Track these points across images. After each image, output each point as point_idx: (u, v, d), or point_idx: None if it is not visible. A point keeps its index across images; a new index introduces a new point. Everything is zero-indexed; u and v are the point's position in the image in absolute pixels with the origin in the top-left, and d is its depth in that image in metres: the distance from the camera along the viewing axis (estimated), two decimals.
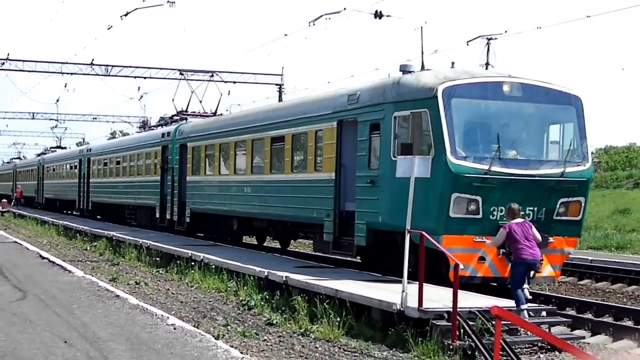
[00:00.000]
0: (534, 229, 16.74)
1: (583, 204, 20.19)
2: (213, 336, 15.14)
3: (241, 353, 13.14)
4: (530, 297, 16.85)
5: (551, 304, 20.48)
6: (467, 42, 33.34)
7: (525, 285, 16.40)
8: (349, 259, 23.63)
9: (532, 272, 16.70)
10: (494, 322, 13.24)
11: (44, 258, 27.98)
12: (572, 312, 20.13)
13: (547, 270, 19.91)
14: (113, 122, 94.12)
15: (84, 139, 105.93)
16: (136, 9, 35.90)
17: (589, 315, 19.63)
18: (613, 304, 21.11)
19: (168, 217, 37.58)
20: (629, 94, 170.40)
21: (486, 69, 30.73)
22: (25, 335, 13.68)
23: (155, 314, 16.17)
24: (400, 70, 21.34)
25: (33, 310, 16.40)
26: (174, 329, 14.64)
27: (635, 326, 18.07)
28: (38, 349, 12.71)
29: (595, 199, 61.24)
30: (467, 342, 14.47)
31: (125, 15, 35.99)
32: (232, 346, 14.37)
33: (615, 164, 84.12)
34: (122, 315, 15.93)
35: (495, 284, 20.41)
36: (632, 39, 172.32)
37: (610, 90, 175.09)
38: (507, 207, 17.70)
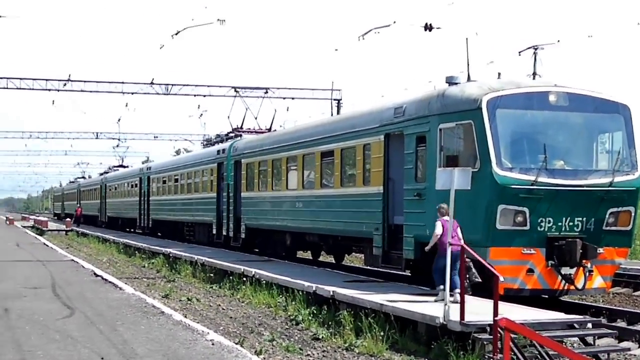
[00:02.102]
0: (459, 228, 17.81)
1: (633, 214, 19.91)
2: (255, 351, 15.16)
3: None
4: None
5: (602, 315, 20.17)
6: (519, 52, 33.16)
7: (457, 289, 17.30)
8: (398, 272, 23.51)
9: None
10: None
11: (97, 276, 28.25)
12: (623, 324, 19.76)
13: (597, 281, 19.67)
14: (176, 140, 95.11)
15: (148, 157, 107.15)
16: (186, 28, 36.23)
17: (639, 327, 19.24)
18: None
19: (224, 233, 37.84)
20: None
21: (533, 78, 30.43)
22: (64, 352, 13.79)
23: (196, 330, 16.22)
24: (446, 82, 21.27)
25: (77, 327, 16.54)
26: (212, 344, 14.65)
27: None
28: None
29: None
30: (510, 355, 14.30)
31: (176, 34, 36.33)
32: None
33: None
34: (164, 332, 15.99)
35: (546, 296, 20.25)
36: None
37: None
38: (437, 206, 18.53)
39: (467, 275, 17.28)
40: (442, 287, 17.12)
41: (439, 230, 18.10)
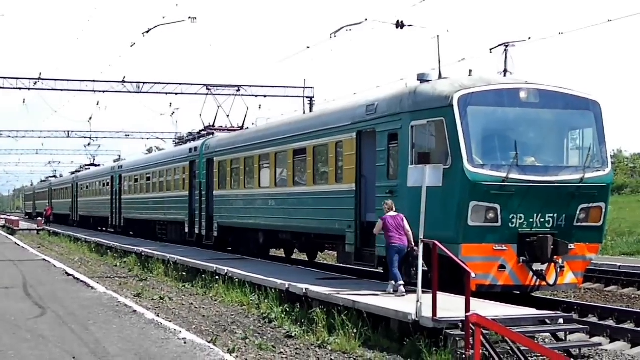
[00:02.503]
0: (405, 221, 18.90)
1: (604, 210, 20.03)
2: (228, 350, 15.14)
3: None
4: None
5: (573, 311, 20.30)
6: (490, 49, 33.24)
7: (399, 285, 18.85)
8: (371, 269, 23.53)
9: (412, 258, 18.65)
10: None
11: (69, 275, 28.12)
12: (594, 319, 19.89)
13: (568, 277, 19.78)
14: (148, 138, 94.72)
15: (120, 156, 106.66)
16: (157, 25, 36.03)
17: (610, 322, 19.38)
18: (635, 310, 20.85)
19: (197, 231, 37.77)
20: None
21: (504, 75, 30.51)
22: (35, 352, 13.73)
23: (169, 329, 16.19)
24: (418, 80, 21.29)
25: (49, 326, 16.47)
26: (185, 343, 14.63)
27: None
28: None
29: (631, 205, 60.85)
30: (481, 351, 14.34)
31: (147, 32, 36.14)
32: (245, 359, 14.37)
33: None
34: (136, 331, 15.95)
35: (517, 292, 20.33)
36: None
37: None
38: (383, 203, 19.63)
39: (414, 266, 18.12)
40: (400, 283, 18.77)
41: (378, 228, 19.32)
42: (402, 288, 18.63)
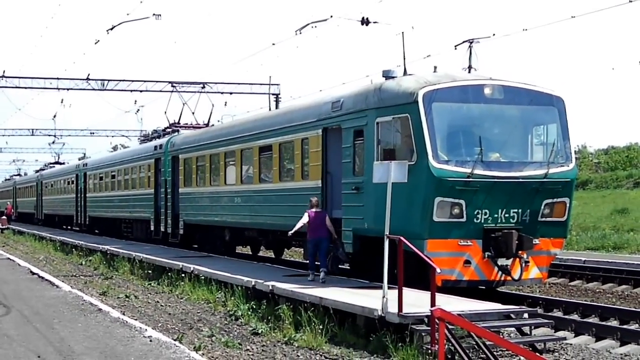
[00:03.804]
0: (327, 218, 21.01)
1: (568, 205, 20.15)
2: (194, 347, 15.11)
3: None
4: (324, 271, 20.94)
5: (538, 305, 20.44)
6: (455, 46, 33.38)
7: (322, 269, 20.93)
8: (338, 266, 23.55)
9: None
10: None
11: (34, 274, 27.95)
12: (559, 314, 20.02)
13: (533, 272, 19.90)
14: (113, 136, 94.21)
15: (84, 154, 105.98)
16: (121, 22, 35.80)
17: (575, 316, 19.52)
18: (599, 304, 21.01)
19: (162, 229, 37.60)
20: (626, 94, 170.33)
21: (469, 72, 30.65)
22: (0, 351, 13.65)
23: (134, 327, 16.13)
24: (383, 76, 21.30)
25: (13, 325, 16.37)
26: (150, 341, 14.58)
27: (620, 326, 17.96)
28: None
29: (595, 200, 61.22)
30: (446, 346, 14.40)
31: (112, 29, 35.96)
32: (211, 357, 14.37)
33: (615, 164, 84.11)
34: (101, 329, 15.88)
35: (483, 287, 20.44)
36: (618, 38, 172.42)
37: (605, 91, 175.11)
38: (309, 199, 21.30)
39: (332, 253, 21.01)
40: (313, 274, 21.18)
41: (303, 220, 20.98)
42: (319, 276, 20.89)
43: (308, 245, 21.57)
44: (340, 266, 23.63)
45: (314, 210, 21.06)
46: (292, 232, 21.37)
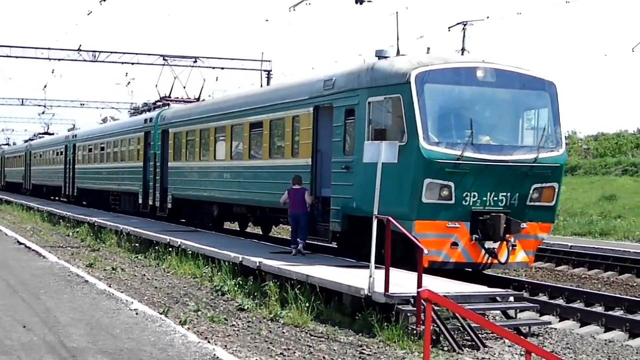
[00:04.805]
0: (306, 194, 21.98)
1: (557, 190, 20.21)
2: (180, 321, 15.12)
3: (198, 338, 13.08)
4: (301, 248, 22.06)
5: (524, 289, 20.52)
6: (449, 27, 33.39)
7: (300, 242, 22.11)
8: (325, 244, 23.61)
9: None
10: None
11: (20, 244, 27.91)
12: (544, 298, 20.10)
13: (520, 255, 19.97)
14: (103, 108, 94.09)
15: (74, 125, 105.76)
16: None
17: (560, 301, 19.59)
18: (584, 290, 21.09)
19: (150, 203, 37.57)
20: (617, 81, 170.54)
21: (462, 54, 30.68)
22: None
23: (120, 299, 16.14)
24: (376, 56, 21.29)
25: None
26: (136, 314, 14.59)
27: (605, 312, 18.05)
28: None
29: (583, 186, 61.32)
30: (431, 327, 14.44)
31: (105, 0, 35.83)
32: (197, 331, 14.37)
33: (605, 151, 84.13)
34: (87, 301, 15.88)
35: (469, 270, 20.50)
36: (611, 25, 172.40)
37: (596, 77, 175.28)
38: (293, 177, 22.21)
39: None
40: (297, 247, 22.13)
41: (283, 197, 22.33)
42: (299, 247, 22.07)
43: (289, 219, 22.64)
44: (327, 244, 23.67)
45: (295, 187, 22.05)
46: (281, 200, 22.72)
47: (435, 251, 18.82)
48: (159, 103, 42.81)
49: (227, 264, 21.34)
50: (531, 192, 19.80)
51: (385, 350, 13.73)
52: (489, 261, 19.61)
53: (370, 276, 15.45)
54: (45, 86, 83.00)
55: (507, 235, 19.43)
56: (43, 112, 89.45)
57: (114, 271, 23.18)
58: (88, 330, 13.11)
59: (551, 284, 22.06)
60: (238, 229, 35.08)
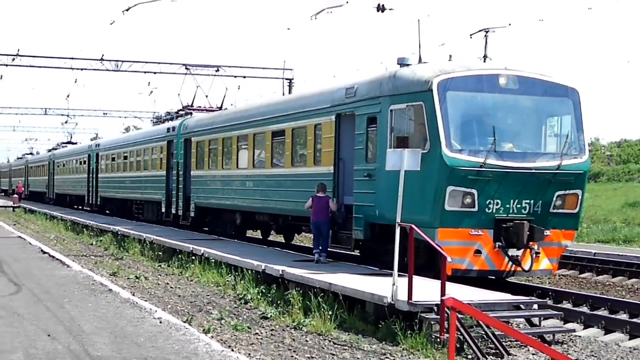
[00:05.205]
0: (330, 201, 22.18)
1: (580, 197, 20.13)
2: (204, 330, 15.15)
3: (222, 346, 13.11)
4: (324, 254, 22.34)
5: (548, 297, 20.42)
6: (471, 35, 33.32)
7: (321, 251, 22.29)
8: (348, 252, 23.58)
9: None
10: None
11: (44, 252, 28.05)
12: (568, 305, 20.00)
13: (544, 263, 19.89)
14: (125, 117, 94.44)
15: (97, 135, 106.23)
16: (137, 4, 35.74)
17: (584, 309, 19.50)
18: (609, 297, 20.98)
19: (173, 211, 37.69)
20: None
21: (484, 61, 30.60)
22: (10, 329, 13.70)
23: (144, 308, 16.18)
24: (398, 63, 21.28)
25: (24, 304, 16.45)
26: (160, 322, 14.64)
27: (629, 319, 17.94)
28: (20, 343, 12.74)
29: (607, 192, 61.09)
30: (455, 335, 14.40)
31: (127, 10, 35.91)
32: (220, 340, 14.39)
33: (628, 157, 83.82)
34: (111, 309, 15.94)
35: (492, 277, 20.43)
36: (635, 31, 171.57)
37: (619, 84, 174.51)
38: (318, 184, 22.33)
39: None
40: (316, 253, 22.32)
41: (307, 203, 22.40)
42: (319, 257, 22.19)
43: (312, 227, 22.80)
44: (349, 252, 23.64)
45: (319, 194, 22.15)
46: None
47: (459, 259, 18.77)
48: (181, 112, 42.92)
49: (250, 272, 21.36)
50: (554, 199, 19.72)
51: (409, 358, 13.72)
52: (513, 269, 19.54)
53: (394, 284, 15.44)
54: (68, 96, 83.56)
55: (531, 243, 19.36)
56: (66, 122, 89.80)
57: (137, 280, 23.25)
58: (112, 339, 13.16)
59: (575, 292, 21.98)
60: (260, 237, 35.11)
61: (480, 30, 33.12)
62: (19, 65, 52.13)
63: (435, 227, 18.80)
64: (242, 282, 21.13)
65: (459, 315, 13.90)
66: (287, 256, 24.45)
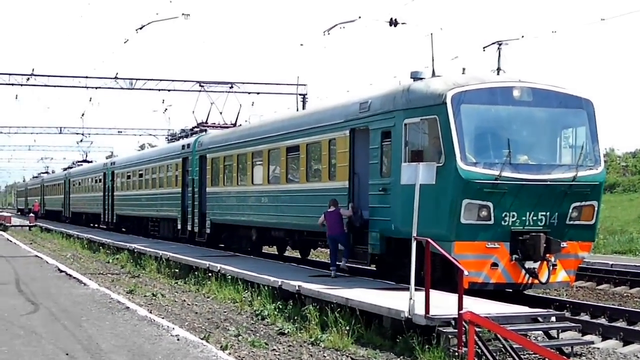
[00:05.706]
0: (341, 211, 22.42)
1: (596, 208, 20.07)
2: (221, 347, 15.15)
3: None
4: (344, 265, 22.72)
5: (566, 309, 20.33)
6: (484, 47, 33.34)
7: (342, 261, 22.68)
8: (364, 267, 23.56)
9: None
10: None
11: (61, 271, 28.10)
12: (586, 317, 19.92)
13: (561, 275, 19.82)
14: (140, 135, 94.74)
15: (112, 153, 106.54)
16: (150, 22, 35.96)
17: (602, 320, 19.41)
18: (627, 308, 20.90)
19: (189, 228, 37.76)
20: None
21: (497, 74, 30.60)
22: (29, 348, 13.73)
23: (161, 325, 16.19)
24: (411, 77, 21.28)
25: (41, 322, 16.48)
26: (178, 339, 14.64)
27: None
28: None
29: (623, 203, 60.87)
30: (474, 348, 14.36)
31: (141, 28, 36.10)
32: (238, 356, 14.40)
33: None
34: (129, 327, 15.96)
35: (509, 290, 20.37)
36: None
37: (634, 94, 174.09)
38: (330, 200, 22.58)
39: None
40: (333, 269, 22.67)
41: (320, 219, 22.62)
42: (342, 265, 22.66)
43: (328, 241, 23.11)
44: (366, 267, 23.62)
45: (330, 209, 22.38)
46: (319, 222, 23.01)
47: (475, 272, 18.72)
48: (196, 129, 43.04)
49: (266, 288, 21.36)
50: (570, 210, 19.66)
51: None
52: (530, 281, 19.48)
53: (411, 298, 15.41)
54: (83, 114, 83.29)
55: (548, 255, 19.30)
56: (81, 140, 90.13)
57: (154, 297, 23.27)
58: (130, 357, 13.15)
59: (593, 303, 21.88)
60: (276, 253, 35.11)
61: (493, 43, 33.15)
62: (34, 85, 52.52)
63: (452, 241, 18.76)
64: (258, 298, 21.13)
65: (477, 329, 13.87)
66: (303, 272, 24.45)
